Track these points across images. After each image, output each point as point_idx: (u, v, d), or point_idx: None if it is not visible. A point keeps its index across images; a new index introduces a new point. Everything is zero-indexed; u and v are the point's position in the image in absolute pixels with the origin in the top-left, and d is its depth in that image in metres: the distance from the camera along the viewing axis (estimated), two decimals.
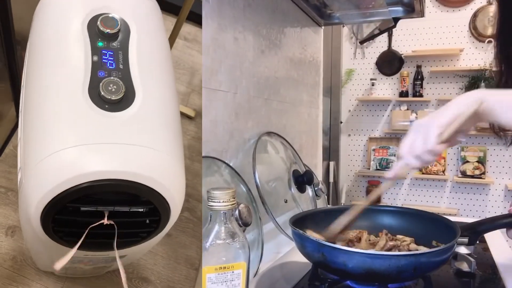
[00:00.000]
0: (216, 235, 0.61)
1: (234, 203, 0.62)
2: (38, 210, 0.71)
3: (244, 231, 0.85)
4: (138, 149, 0.70)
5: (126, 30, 0.79)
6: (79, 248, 0.77)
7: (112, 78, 0.73)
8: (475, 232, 0.94)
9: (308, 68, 1.60)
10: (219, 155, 1.01)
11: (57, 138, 0.69)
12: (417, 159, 0.74)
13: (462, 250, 1.02)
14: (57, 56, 0.76)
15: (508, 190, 3.14)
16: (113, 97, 0.71)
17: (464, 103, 0.71)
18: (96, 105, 0.71)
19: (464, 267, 0.96)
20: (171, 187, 0.74)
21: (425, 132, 0.71)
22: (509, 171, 3.15)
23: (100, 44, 0.76)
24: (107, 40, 0.77)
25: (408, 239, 0.92)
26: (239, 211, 0.86)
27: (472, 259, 0.95)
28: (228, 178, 1.01)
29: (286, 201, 1.18)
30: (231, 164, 1.03)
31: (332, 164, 3.21)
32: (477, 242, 0.96)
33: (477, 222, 0.95)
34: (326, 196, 1.41)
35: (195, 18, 1.00)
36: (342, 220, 0.86)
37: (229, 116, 1.06)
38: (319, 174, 1.72)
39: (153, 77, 0.79)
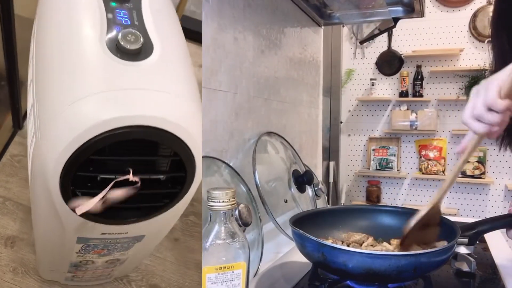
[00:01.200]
0: (216, 235, 0.61)
1: (234, 203, 0.62)
2: (59, 166, 0.67)
3: (244, 231, 0.85)
4: (163, 95, 0.69)
5: None
6: (95, 220, 0.73)
7: (129, 29, 0.73)
8: (475, 232, 0.94)
9: (308, 68, 1.60)
10: (219, 155, 1.01)
11: (76, 87, 0.67)
12: (480, 120, 0.69)
13: (462, 250, 1.02)
14: (70, 18, 0.76)
15: (508, 190, 3.14)
16: (132, 47, 0.71)
17: None
18: (115, 56, 0.70)
19: (464, 267, 0.96)
20: (197, 137, 0.72)
21: (485, 91, 0.68)
22: (509, 171, 3.15)
23: (113, 4, 0.77)
24: (120, 1, 0.78)
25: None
26: (239, 211, 0.86)
27: (472, 259, 0.95)
28: (228, 178, 1.00)
29: (286, 201, 1.18)
30: (231, 164, 1.03)
31: (332, 164, 3.21)
32: (477, 242, 0.96)
33: (477, 222, 0.95)
34: (326, 196, 1.41)
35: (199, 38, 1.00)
36: (416, 217, 0.83)
37: (229, 116, 1.06)
38: (319, 174, 1.72)
39: (168, 33, 0.80)
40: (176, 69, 0.76)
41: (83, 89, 0.66)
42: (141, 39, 0.72)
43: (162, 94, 0.69)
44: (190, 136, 0.71)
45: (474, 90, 0.71)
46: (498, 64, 0.93)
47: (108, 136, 0.65)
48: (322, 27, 1.72)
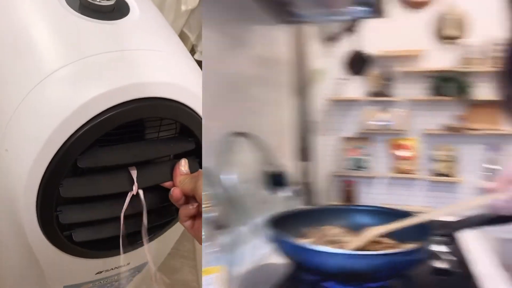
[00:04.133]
0: None
1: (209, 206, 0.60)
2: (32, 184, 0.46)
3: (220, 234, 0.83)
4: (160, 54, 0.54)
5: None
6: (88, 256, 0.56)
7: None
8: (453, 230, 0.95)
9: (276, 66, 1.59)
10: None
11: (36, 65, 0.47)
12: None
13: (440, 248, 1.02)
14: None
15: (478, 188, 3.19)
16: (105, 2, 0.55)
17: None
18: (84, 15, 0.53)
19: (442, 265, 0.97)
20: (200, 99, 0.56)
21: None
22: (478, 169, 3.21)
23: None
24: None
25: (392, 242, 0.92)
26: (215, 214, 0.84)
27: (450, 257, 0.97)
28: None
29: (260, 203, 1.16)
30: (203, 166, 1.01)
31: (305, 164, 3.20)
32: (454, 239, 0.99)
33: (455, 220, 0.96)
34: (300, 197, 1.40)
35: None
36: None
37: None
38: (292, 175, 1.71)
39: None
40: (161, 27, 0.62)
41: (46, 65, 0.46)
42: None
43: (158, 53, 0.54)
44: (198, 102, 0.56)
45: None
46: None
47: (96, 124, 0.45)
48: (289, 25, 1.70)
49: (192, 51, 1.61)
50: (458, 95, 3.10)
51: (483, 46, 3.06)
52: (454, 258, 1.00)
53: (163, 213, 0.64)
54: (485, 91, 3.10)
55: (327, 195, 3.51)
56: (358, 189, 3.46)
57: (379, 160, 3.43)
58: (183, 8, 1.50)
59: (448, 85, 3.12)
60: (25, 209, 0.47)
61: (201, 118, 0.58)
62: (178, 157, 0.65)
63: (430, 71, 3.23)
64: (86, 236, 0.54)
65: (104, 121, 0.46)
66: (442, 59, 3.25)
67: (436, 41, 3.26)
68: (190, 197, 0.65)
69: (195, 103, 0.55)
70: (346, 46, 3.44)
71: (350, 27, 1.68)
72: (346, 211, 1.07)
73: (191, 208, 0.63)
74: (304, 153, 3.30)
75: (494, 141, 3.16)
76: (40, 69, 0.46)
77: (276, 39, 1.59)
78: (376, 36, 3.34)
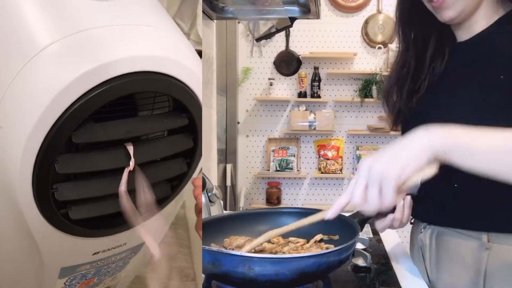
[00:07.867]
0: None
1: None
2: (28, 161, 0.46)
3: None
4: (155, 30, 0.53)
5: None
6: (85, 234, 0.56)
7: None
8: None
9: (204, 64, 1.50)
10: None
11: (23, 43, 0.47)
12: (374, 211, 0.67)
13: (358, 245, 1.02)
14: None
15: None
16: None
17: (418, 157, 0.62)
18: None
19: (361, 262, 0.97)
20: (199, 76, 0.58)
21: (380, 184, 0.63)
22: None
23: None
24: None
25: (301, 240, 0.88)
26: None
27: (367, 254, 0.97)
28: None
29: None
30: None
31: (229, 166, 3.14)
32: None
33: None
34: (222, 202, 1.32)
35: None
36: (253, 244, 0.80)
37: None
38: (213, 178, 1.63)
39: None
40: (153, 4, 0.61)
41: (37, 41, 0.46)
42: None
43: (149, 28, 0.53)
44: (197, 79, 0.56)
45: (366, 170, 0.65)
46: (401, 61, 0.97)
47: (89, 99, 0.45)
48: (215, 21, 1.63)
49: None
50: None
51: None
52: (372, 253, 1.00)
53: (156, 190, 0.64)
54: None
55: (251, 198, 3.47)
56: (284, 191, 3.44)
57: (305, 161, 3.44)
58: None
59: (373, 87, 3.19)
60: (21, 187, 0.48)
61: (194, 93, 0.58)
62: (172, 133, 0.64)
63: (357, 74, 3.29)
64: (83, 214, 0.55)
65: (97, 96, 0.47)
66: (368, 62, 3.32)
67: (363, 45, 3.33)
68: None
69: (188, 77, 0.55)
70: (276, 46, 3.43)
71: (281, 27, 1.64)
72: (271, 214, 1.00)
73: None
74: (228, 154, 3.23)
75: None
76: (31, 46, 0.46)
77: (206, 35, 1.51)
78: (306, 37, 3.35)
